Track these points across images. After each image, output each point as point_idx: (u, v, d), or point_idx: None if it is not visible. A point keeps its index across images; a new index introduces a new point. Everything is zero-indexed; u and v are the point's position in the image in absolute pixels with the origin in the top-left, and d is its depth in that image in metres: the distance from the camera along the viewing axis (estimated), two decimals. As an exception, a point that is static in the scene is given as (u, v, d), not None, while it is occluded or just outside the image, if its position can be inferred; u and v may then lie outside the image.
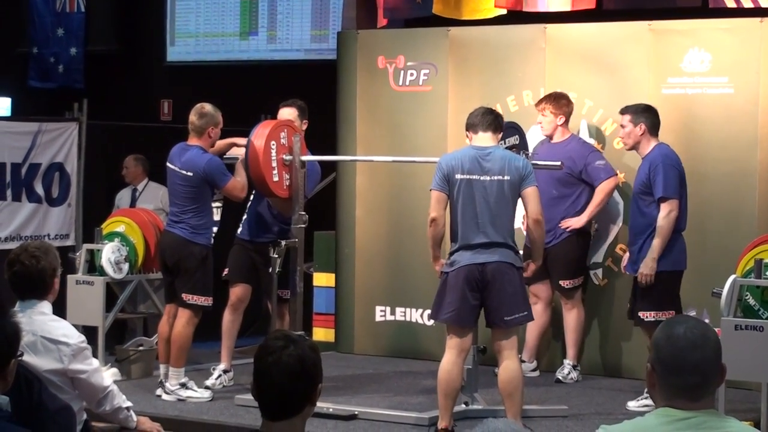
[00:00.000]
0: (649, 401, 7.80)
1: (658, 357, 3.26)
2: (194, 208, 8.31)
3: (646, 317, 7.90)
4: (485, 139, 7.20)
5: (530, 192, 7.11)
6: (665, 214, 7.85)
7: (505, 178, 7.07)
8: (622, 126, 8.14)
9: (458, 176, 7.11)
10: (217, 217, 8.97)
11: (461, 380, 7.21)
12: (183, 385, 8.31)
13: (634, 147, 8.11)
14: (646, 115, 8.07)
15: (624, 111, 8.16)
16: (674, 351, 3.23)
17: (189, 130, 8.38)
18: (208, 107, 8.38)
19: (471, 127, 7.27)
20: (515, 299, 7.10)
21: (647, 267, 7.87)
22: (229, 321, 8.72)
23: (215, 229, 8.75)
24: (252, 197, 8.74)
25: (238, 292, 8.73)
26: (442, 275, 7.19)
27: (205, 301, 8.35)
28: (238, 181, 8.41)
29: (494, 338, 7.18)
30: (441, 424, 7.16)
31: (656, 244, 7.85)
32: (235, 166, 8.55)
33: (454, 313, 7.10)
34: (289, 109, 8.75)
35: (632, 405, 8.04)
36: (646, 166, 7.98)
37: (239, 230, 8.82)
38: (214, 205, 8.73)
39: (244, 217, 8.84)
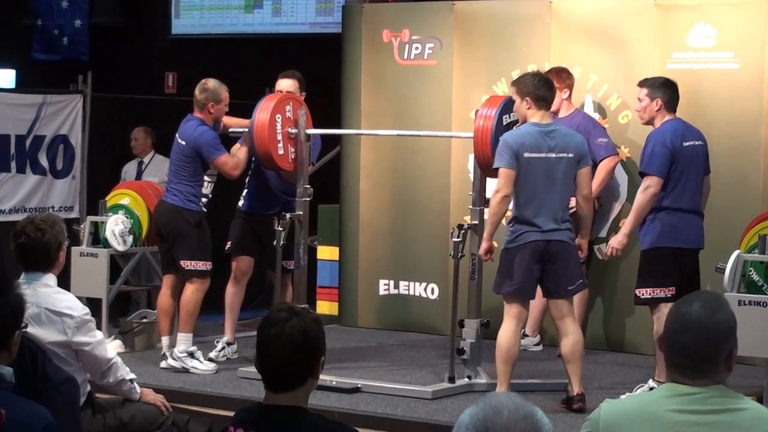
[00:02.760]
0: None
1: (665, 331, 3.31)
2: (186, 176, 8.34)
3: (642, 294, 7.66)
4: (546, 116, 7.36)
5: (585, 172, 7.40)
6: (642, 189, 7.58)
7: (569, 155, 7.27)
8: (639, 99, 7.81)
9: (526, 155, 7.20)
10: (206, 190, 8.90)
11: (518, 348, 7.38)
12: (191, 354, 8.33)
13: (650, 122, 7.81)
14: (664, 90, 7.75)
15: (642, 84, 7.84)
16: (669, 330, 3.29)
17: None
18: (211, 83, 8.36)
19: (540, 100, 7.33)
20: (576, 270, 7.41)
21: (617, 241, 7.74)
22: (232, 294, 8.74)
23: (205, 200, 8.71)
24: (251, 170, 8.73)
25: (240, 264, 8.73)
26: (505, 250, 7.33)
27: (204, 265, 8.36)
28: (238, 159, 8.38)
29: (556, 307, 7.38)
30: (500, 390, 7.22)
31: (629, 219, 7.68)
32: (239, 142, 8.55)
33: (518, 286, 7.28)
34: (289, 81, 8.71)
35: None
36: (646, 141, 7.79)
37: (240, 203, 8.82)
38: (205, 179, 8.71)
39: (245, 190, 8.84)
